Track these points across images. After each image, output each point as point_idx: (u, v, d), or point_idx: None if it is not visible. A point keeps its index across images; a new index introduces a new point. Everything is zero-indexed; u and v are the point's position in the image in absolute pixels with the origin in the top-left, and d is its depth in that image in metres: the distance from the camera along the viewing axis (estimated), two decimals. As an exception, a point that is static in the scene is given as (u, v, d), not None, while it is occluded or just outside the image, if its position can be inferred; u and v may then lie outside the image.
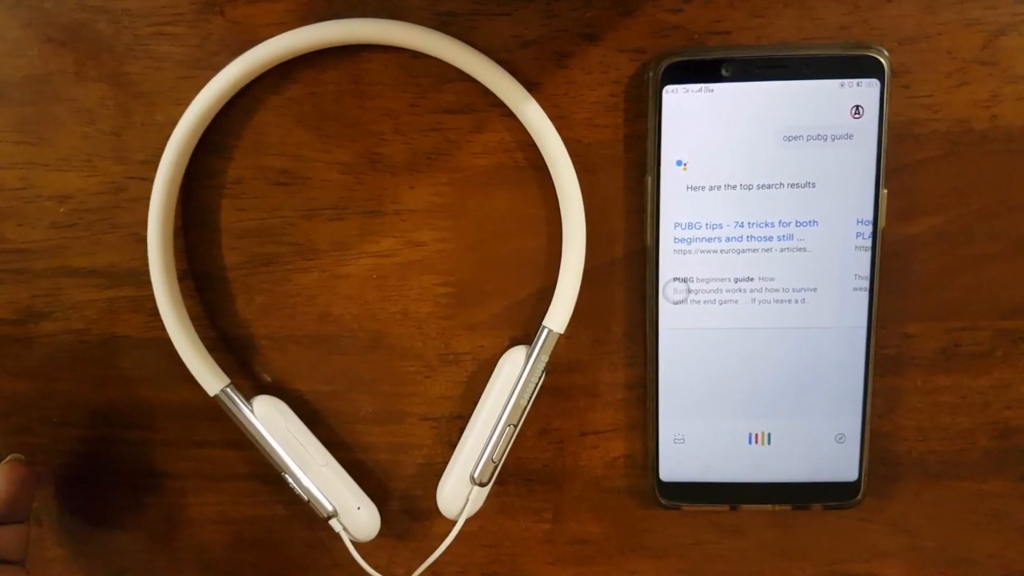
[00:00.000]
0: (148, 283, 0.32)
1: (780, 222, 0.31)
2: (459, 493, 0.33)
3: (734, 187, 0.31)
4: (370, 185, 0.33)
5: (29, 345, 0.35)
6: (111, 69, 0.32)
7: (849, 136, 0.30)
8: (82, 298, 0.34)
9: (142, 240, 0.33)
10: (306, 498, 0.33)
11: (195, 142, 0.32)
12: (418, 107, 0.32)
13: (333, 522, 0.33)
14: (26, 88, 0.32)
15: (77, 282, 0.34)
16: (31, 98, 0.32)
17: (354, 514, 0.33)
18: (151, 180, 0.32)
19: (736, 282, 0.31)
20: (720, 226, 0.31)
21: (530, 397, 0.32)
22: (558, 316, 0.32)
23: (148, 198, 0.32)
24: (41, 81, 0.32)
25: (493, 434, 0.32)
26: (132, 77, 0.32)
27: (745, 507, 0.34)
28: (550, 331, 0.32)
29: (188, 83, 0.32)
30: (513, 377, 0.32)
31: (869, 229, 0.31)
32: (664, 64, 0.30)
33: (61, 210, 0.33)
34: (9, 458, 0.33)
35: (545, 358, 0.32)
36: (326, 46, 0.31)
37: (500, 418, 0.32)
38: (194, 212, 0.33)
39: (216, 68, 0.31)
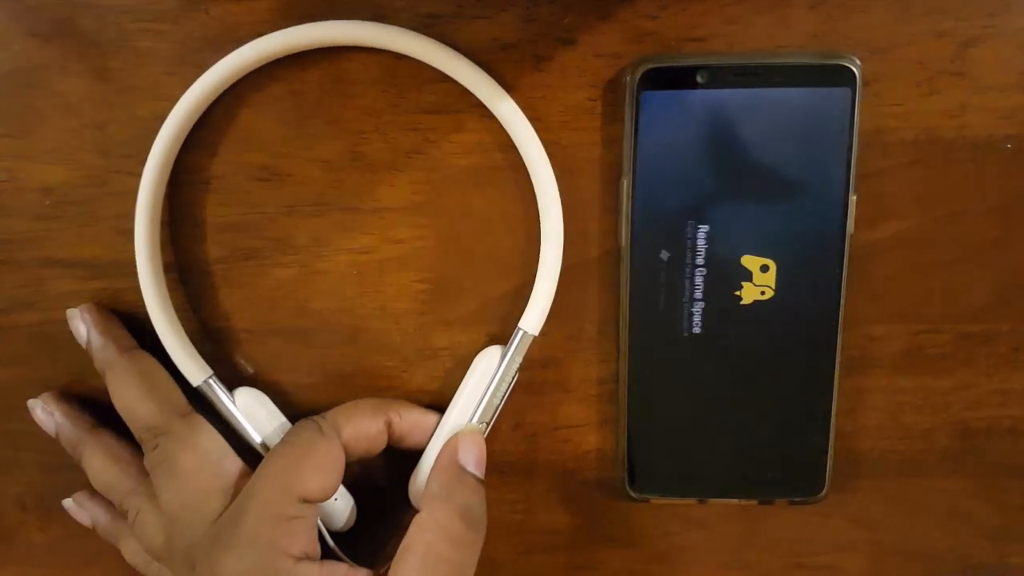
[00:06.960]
0: (131, 275, 0.33)
1: (751, 226, 0.32)
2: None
3: (707, 191, 0.31)
4: (350, 183, 0.33)
5: (13, 334, 0.35)
6: (95, 64, 0.32)
7: (820, 143, 0.31)
8: (65, 289, 0.34)
9: (124, 232, 0.33)
10: (285, 488, 0.34)
11: (183, 138, 0.32)
12: (399, 107, 0.32)
13: (311, 512, 0.34)
14: (10, 82, 0.32)
15: (61, 273, 0.34)
16: (15, 91, 0.32)
17: (331, 505, 0.34)
18: (134, 174, 0.32)
19: (707, 282, 0.32)
20: (693, 229, 0.32)
21: (503, 396, 0.33)
22: (533, 318, 0.33)
23: (131, 192, 0.32)
24: (25, 75, 0.32)
25: (466, 429, 0.33)
26: (116, 72, 0.32)
27: (712, 501, 0.35)
28: (525, 333, 0.33)
29: (171, 79, 0.32)
30: (487, 376, 0.33)
31: (838, 234, 0.32)
32: (641, 70, 0.30)
33: (47, 203, 0.34)
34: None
35: (519, 359, 0.33)
36: (313, 47, 0.31)
37: (473, 416, 0.33)
38: (177, 206, 0.34)
39: (199, 65, 0.31)
